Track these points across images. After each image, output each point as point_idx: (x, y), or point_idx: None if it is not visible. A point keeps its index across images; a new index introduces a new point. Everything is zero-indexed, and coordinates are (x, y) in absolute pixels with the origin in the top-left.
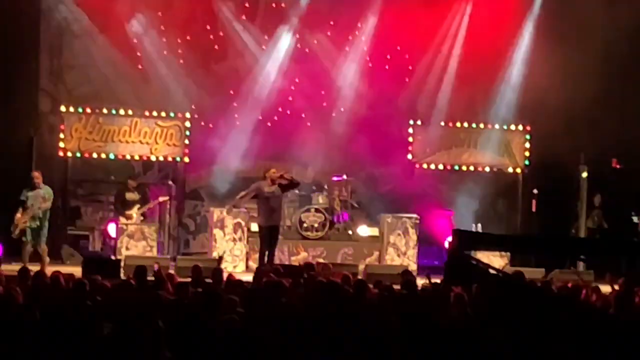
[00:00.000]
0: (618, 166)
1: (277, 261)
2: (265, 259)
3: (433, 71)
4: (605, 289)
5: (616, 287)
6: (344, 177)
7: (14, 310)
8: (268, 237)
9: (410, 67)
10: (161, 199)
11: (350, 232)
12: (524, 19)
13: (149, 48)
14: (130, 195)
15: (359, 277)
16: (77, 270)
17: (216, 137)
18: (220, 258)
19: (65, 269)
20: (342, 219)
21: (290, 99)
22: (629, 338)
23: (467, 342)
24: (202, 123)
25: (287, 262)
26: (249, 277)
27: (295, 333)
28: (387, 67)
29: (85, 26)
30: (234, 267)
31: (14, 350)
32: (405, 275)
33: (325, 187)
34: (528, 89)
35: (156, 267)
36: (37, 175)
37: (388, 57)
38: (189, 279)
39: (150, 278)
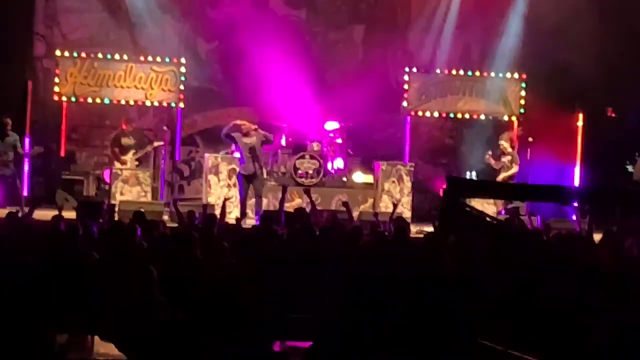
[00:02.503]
0: (613, 115)
1: (270, 207)
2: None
3: (433, 16)
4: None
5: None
6: (339, 123)
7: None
8: (246, 185)
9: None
10: (156, 143)
11: (344, 179)
12: None
13: None
14: (126, 140)
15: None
16: (71, 215)
17: (213, 84)
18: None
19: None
20: (334, 168)
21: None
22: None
23: (460, 289)
24: (198, 69)
25: None
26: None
27: (286, 278)
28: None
29: None
30: (229, 212)
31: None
32: (398, 222)
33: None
34: (526, 38)
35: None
36: (8, 121)
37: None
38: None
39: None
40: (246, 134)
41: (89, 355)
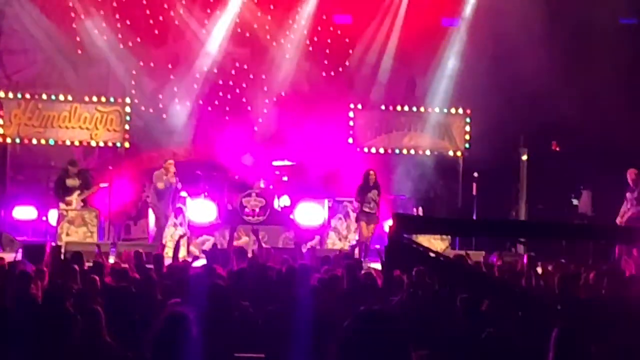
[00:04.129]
0: (557, 148)
1: (218, 246)
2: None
3: (372, 52)
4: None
5: (550, 268)
6: (285, 162)
7: None
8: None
9: (350, 51)
10: (101, 185)
11: (291, 216)
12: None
13: (89, 32)
14: (71, 182)
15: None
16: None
17: (157, 122)
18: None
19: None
20: (280, 205)
21: (230, 83)
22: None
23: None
24: (143, 108)
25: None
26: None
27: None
28: (327, 50)
29: (24, 8)
30: None
31: None
32: (347, 260)
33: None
34: (466, 73)
35: (97, 249)
36: None
37: (328, 41)
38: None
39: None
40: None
41: None
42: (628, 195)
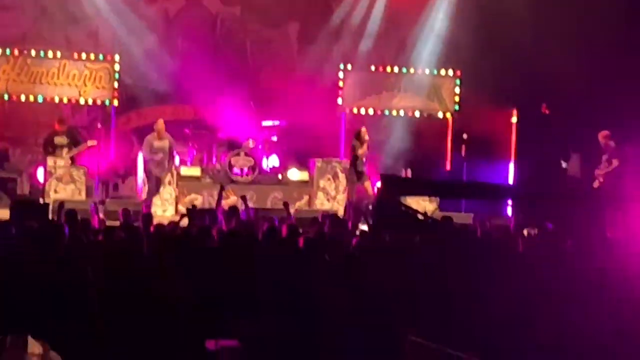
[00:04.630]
0: (547, 111)
1: (206, 205)
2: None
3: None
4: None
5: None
6: (276, 122)
7: None
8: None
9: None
10: (89, 143)
11: (280, 176)
12: None
13: None
14: (59, 139)
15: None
16: (4, 214)
17: (147, 81)
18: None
19: None
20: (269, 165)
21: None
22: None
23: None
24: (132, 66)
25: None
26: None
27: (219, 277)
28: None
29: None
30: (164, 211)
31: None
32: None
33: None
34: (457, 33)
35: (92, 206)
36: None
37: None
38: (118, 223)
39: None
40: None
41: (23, 354)
42: (604, 158)
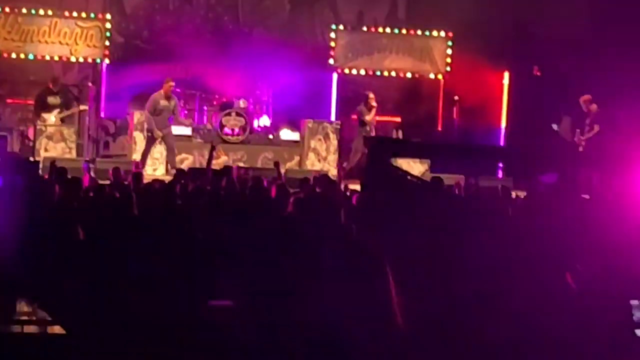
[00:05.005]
0: (539, 73)
1: (197, 165)
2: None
3: None
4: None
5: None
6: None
7: None
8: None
9: None
10: (82, 107)
11: (270, 136)
12: None
13: None
14: (52, 99)
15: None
16: None
17: (139, 40)
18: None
19: None
20: (260, 125)
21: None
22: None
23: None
24: (123, 25)
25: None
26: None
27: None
28: None
29: None
30: (154, 170)
31: None
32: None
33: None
34: None
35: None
36: None
37: None
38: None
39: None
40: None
41: (11, 316)
42: (587, 121)
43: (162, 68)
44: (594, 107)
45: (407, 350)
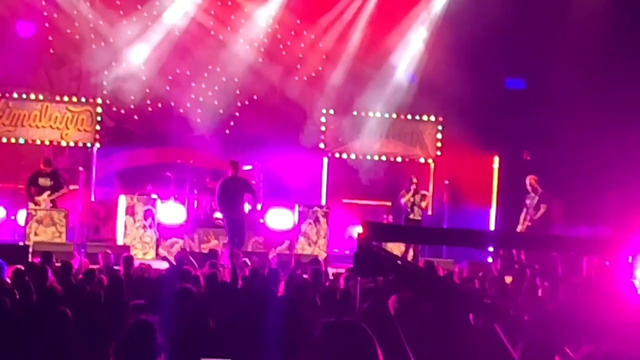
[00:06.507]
0: (528, 158)
1: (187, 248)
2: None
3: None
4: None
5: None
6: (253, 165)
7: None
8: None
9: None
10: (71, 187)
11: (261, 220)
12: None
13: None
14: (43, 180)
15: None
16: None
17: (128, 124)
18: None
19: None
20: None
21: (203, 85)
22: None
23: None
24: (114, 109)
25: (197, 250)
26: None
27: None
28: (300, 55)
29: None
30: (144, 254)
31: None
32: (314, 265)
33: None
34: (439, 80)
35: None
36: None
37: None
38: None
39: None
40: None
41: None
42: (527, 202)
43: (154, 152)
44: (539, 188)
45: None
